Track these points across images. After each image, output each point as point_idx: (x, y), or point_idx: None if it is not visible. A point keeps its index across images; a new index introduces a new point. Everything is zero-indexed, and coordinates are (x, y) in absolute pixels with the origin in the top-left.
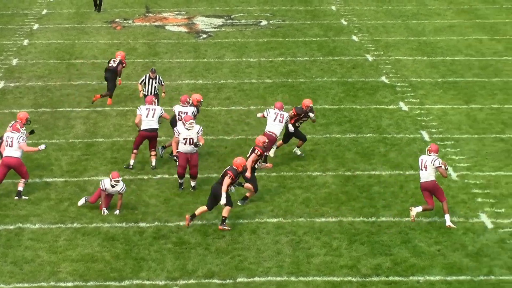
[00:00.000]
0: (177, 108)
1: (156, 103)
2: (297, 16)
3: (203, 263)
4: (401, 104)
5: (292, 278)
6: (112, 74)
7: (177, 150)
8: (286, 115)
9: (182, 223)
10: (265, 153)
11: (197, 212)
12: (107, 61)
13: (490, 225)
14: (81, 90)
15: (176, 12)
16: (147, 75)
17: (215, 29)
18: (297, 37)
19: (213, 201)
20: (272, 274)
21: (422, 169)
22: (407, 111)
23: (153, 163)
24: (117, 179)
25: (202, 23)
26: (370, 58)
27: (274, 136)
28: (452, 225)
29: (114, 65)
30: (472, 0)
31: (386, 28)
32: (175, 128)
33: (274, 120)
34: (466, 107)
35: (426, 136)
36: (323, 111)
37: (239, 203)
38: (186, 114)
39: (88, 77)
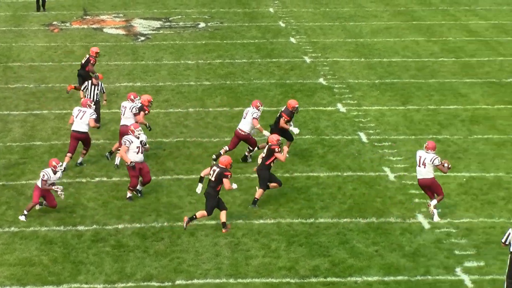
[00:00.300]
0: (123, 104)
1: (91, 107)
2: (235, 18)
3: (142, 266)
4: (339, 106)
5: (231, 280)
6: (84, 71)
7: (132, 161)
8: (251, 111)
9: (121, 226)
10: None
11: (198, 214)
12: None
13: (427, 226)
14: (19, 93)
15: (114, 15)
16: (90, 82)
17: (153, 32)
18: (235, 39)
19: (213, 206)
20: (210, 276)
21: (420, 166)
22: (344, 113)
23: (79, 160)
24: (60, 164)
25: (140, 25)
26: (308, 60)
27: (242, 133)
28: (438, 219)
29: (83, 62)
30: (408, 2)
31: (324, 30)
32: (125, 138)
33: (244, 118)
34: (403, 108)
35: (363, 138)
36: (262, 113)
37: (250, 207)
38: (126, 109)
39: (26, 80)
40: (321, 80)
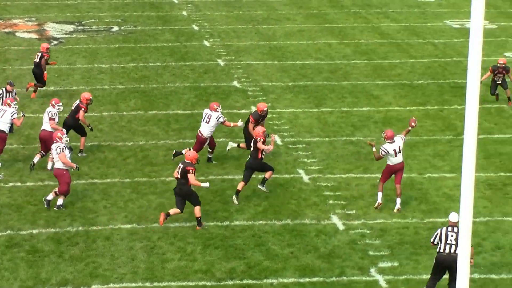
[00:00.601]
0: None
1: (12, 106)
2: (148, 22)
3: (57, 271)
4: (253, 108)
5: (147, 284)
6: (38, 69)
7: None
8: (214, 115)
9: (35, 231)
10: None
11: (171, 211)
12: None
13: (341, 227)
14: None
15: (26, 19)
16: (4, 89)
17: (66, 36)
18: (148, 42)
19: (183, 201)
20: (126, 280)
21: (397, 155)
22: None
23: None
24: None
25: (53, 29)
26: (221, 63)
27: (201, 136)
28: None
29: (37, 60)
30: (321, 5)
31: (237, 33)
32: (59, 146)
33: (203, 120)
34: (317, 111)
35: (278, 140)
36: (176, 116)
37: (259, 186)
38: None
39: None
40: (235, 83)
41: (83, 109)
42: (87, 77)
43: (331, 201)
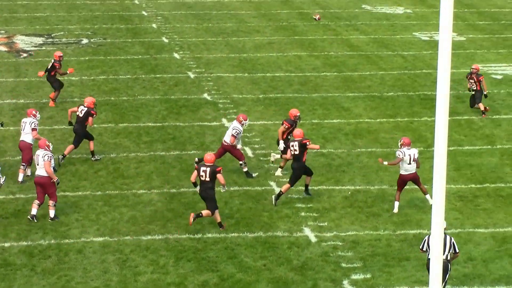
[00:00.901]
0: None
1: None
2: (118, 34)
3: (29, 284)
4: (224, 121)
5: None
6: (51, 77)
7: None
8: (233, 125)
9: (7, 244)
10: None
11: (203, 213)
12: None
13: (314, 239)
14: None
15: None
16: None
17: (36, 48)
18: (118, 55)
19: (215, 205)
20: None
21: (411, 163)
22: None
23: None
24: None
25: (22, 42)
26: (192, 75)
27: (225, 143)
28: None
29: (48, 67)
30: (290, 17)
31: (207, 46)
32: (47, 154)
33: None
34: None
35: (249, 152)
36: (147, 128)
37: (305, 194)
38: (26, 124)
39: None
40: (205, 95)
41: (94, 115)
42: None
43: (303, 213)
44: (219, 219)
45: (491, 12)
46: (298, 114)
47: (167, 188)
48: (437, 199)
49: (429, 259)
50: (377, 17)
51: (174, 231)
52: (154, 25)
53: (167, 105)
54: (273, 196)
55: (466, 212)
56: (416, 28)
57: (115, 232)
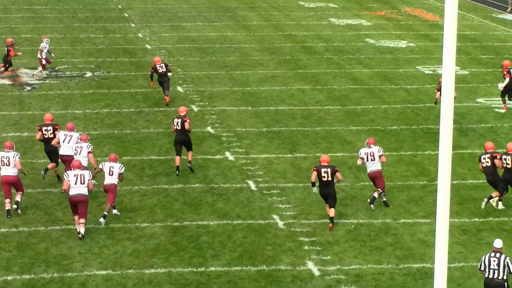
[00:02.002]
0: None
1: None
2: (122, 68)
3: None
4: (227, 154)
5: None
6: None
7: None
8: (375, 151)
9: (10, 278)
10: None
11: (331, 214)
12: None
13: (317, 272)
14: None
15: None
16: None
17: (40, 81)
18: (122, 88)
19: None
20: None
21: (370, 160)
22: (233, 161)
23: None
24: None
25: (26, 75)
26: (195, 108)
27: (376, 171)
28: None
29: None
30: (293, 51)
31: (211, 79)
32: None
33: (367, 160)
34: (291, 156)
35: (252, 186)
36: (150, 162)
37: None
38: (82, 148)
39: None
40: (209, 128)
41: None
42: (61, 123)
43: (306, 247)
44: (333, 214)
45: (494, 46)
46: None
47: (170, 221)
48: (441, 232)
49: (485, 278)
50: (380, 50)
51: (177, 264)
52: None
53: (170, 138)
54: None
55: (469, 246)
56: (419, 62)
57: (118, 265)
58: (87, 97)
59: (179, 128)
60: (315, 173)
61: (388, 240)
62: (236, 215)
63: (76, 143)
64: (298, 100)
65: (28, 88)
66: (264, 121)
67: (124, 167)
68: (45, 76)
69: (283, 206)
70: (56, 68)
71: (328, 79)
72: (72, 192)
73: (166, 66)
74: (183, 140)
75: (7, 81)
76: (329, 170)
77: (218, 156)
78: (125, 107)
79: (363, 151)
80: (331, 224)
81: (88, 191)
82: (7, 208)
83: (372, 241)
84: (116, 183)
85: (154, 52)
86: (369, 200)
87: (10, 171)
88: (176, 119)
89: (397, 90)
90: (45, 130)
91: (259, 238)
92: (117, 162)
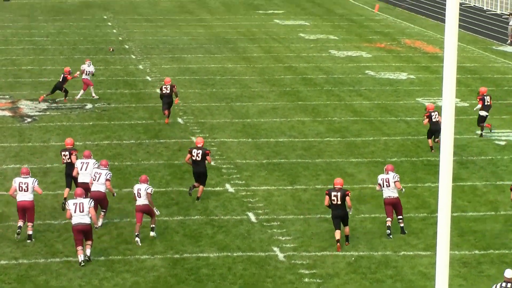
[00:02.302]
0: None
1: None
2: (122, 99)
3: None
4: (227, 186)
5: None
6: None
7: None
8: (390, 177)
9: None
10: None
11: (345, 233)
12: None
13: None
14: None
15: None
16: None
17: (40, 113)
18: (122, 120)
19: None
20: None
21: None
22: (233, 193)
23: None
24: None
25: (26, 107)
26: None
27: (392, 198)
28: None
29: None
30: (294, 83)
31: (211, 111)
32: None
33: (383, 186)
34: (291, 188)
35: (252, 217)
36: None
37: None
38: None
39: None
40: None
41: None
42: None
43: (306, 279)
44: (346, 233)
45: (494, 78)
46: None
47: (171, 253)
48: (441, 265)
49: None
50: (381, 82)
51: None
52: (158, 90)
53: (170, 170)
54: None
55: (470, 278)
56: (419, 94)
57: None
58: (88, 128)
59: (199, 159)
60: (327, 197)
61: (389, 272)
62: (236, 247)
63: (95, 167)
64: (298, 132)
65: (29, 119)
66: (264, 153)
67: (151, 188)
68: (45, 107)
69: (283, 238)
70: (56, 100)
71: (328, 111)
72: (74, 220)
73: (172, 87)
74: (201, 172)
75: (7, 113)
76: (339, 194)
77: (218, 188)
78: (125, 138)
79: (380, 177)
80: (345, 243)
81: (93, 218)
82: (18, 225)
83: (373, 273)
84: (148, 203)
85: (154, 84)
86: (387, 231)
87: (26, 197)
88: (195, 150)
89: (397, 122)
90: (63, 154)
91: (259, 271)
92: (147, 183)
